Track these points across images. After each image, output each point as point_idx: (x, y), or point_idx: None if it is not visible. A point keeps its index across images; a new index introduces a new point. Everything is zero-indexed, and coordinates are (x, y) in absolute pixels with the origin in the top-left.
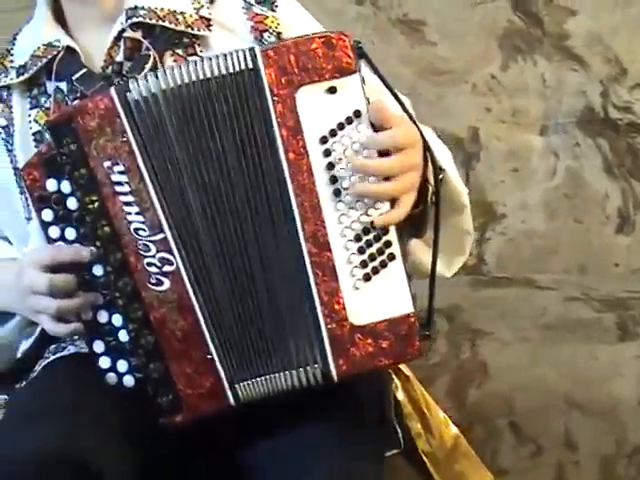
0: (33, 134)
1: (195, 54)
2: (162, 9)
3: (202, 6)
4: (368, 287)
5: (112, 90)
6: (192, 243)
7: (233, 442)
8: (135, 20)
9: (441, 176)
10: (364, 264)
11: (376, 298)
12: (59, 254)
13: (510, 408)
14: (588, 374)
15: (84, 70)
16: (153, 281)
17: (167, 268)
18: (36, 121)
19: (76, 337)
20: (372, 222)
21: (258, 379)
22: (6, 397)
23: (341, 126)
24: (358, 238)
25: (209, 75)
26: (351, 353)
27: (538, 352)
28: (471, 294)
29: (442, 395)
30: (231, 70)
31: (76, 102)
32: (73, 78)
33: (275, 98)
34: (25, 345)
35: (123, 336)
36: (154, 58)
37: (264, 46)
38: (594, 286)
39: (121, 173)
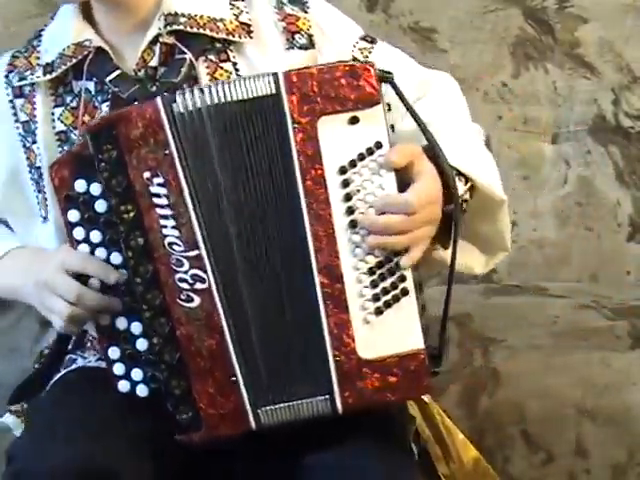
0: (57, 133)
1: (228, 60)
2: (202, 16)
3: (241, 12)
4: (379, 321)
5: (158, 100)
6: (226, 263)
7: (261, 451)
8: (175, 27)
9: (469, 184)
10: (376, 297)
11: (387, 332)
12: (89, 266)
13: (522, 416)
14: (600, 382)
15: (118, 72)
16: (183, 297)
17: (199, 285)
18: (60, 120)
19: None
20: (386, 257)
21: (281, 405)
22: (24, 405)
23: (361, 157)
24: (372, 271)
25: (241, 97)
26: (358, 387)
27: (550, 360)
28: (482, 302)
29: (453, 403)
30: (256, 94)
31: (122, 109)
32: (107, 79)
33: (296, 125)
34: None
35: (141, 345)
36: (190, 63)
37: (287, 71)
38: (606, 294)
39: (160, 185)
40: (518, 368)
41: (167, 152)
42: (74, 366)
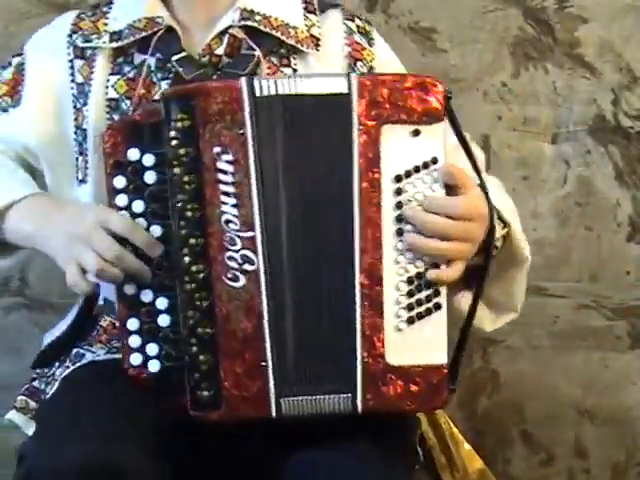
0: (108, 100)
1: (288, 65)
2: (276, 19)
3: (313, 25)
4: (410, 330)
5: (242, 81)
6: (276, 250)
7: (265, 446)
8: (249, 23)
9: (506, 230)
10: (410, 307)
11: (415, 343)
12: (134, 234)
13: (521, 416)
14: (599, 382)
15: (185, 53)
16: (229, 275)
17: (247, 267)
18: (114, 88)
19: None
20: (426, 269)
21: (304, 397)
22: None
23: (417, 169)
24: (410, 281)
25: (312, 91)
26: (381, 390)
27: (549, 360)
28: None
29: (453, 404)
30: (328, 91)
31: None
32: (173, 58)
33: (361, 127)
34: (52, 336)
35: (163, 321)
36: (257, 60)
37: (361, 73)
38: (605, 294)
39: (228, 163)
40: (518, 368)
41: (242, 132)
42: (83, 361)
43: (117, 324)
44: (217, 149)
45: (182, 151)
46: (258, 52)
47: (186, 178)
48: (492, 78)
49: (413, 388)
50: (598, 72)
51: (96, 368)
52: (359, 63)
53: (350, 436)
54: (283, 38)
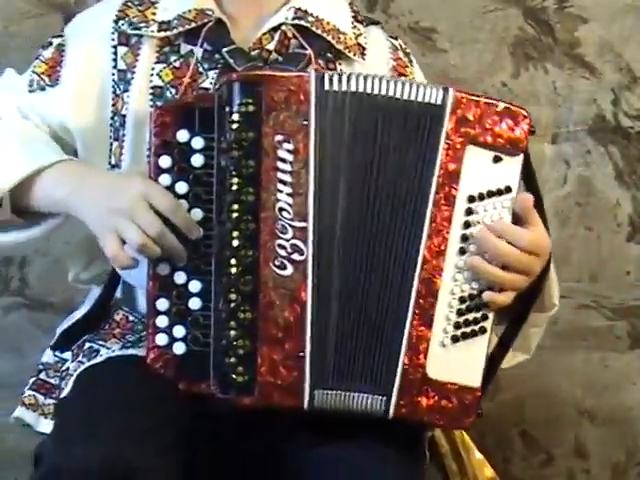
0: (152, 87)
1: (334, 70)
2: (328, 22)
3: (361, 34)
4: (453, 348)
5: (312, 72)
6: (327, 243)
7: (287, 438)
8: (302, 23)
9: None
10: (458, 326)
11: (455, 361)
12: (176, 212)
13: (521, 417)
14: (599, 382)
15: (235, 45)
16: (277, 263)
17: (296, 256)
18: (159, 76)
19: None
20: (480, 291)
21: (339, 392)
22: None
23: (490, 194)
24: (462, 300)
25: (396, 95)
26: (415, 399)
27: (549, 360)
28: None
29: None
30: (419, 99)
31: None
32: (223, 50)
33: (448, 142)
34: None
35: (194, 304)
36: (309, 59)
37: (458, 89)
38: (605, 294)
39: (288, 152)
40: (517, 368)
41: (305, 122)
42: (98, 358)
43: (129, 317)
44: (279, 137)
45: (243, 135)
46: (310, 52)
47: (244, 162)
48: (492, 78)
49: (446, 404)
50: (598, 72)
51: (111, 365)
52: (403, 78)
53: (372, 436)
54: (333, 42)
